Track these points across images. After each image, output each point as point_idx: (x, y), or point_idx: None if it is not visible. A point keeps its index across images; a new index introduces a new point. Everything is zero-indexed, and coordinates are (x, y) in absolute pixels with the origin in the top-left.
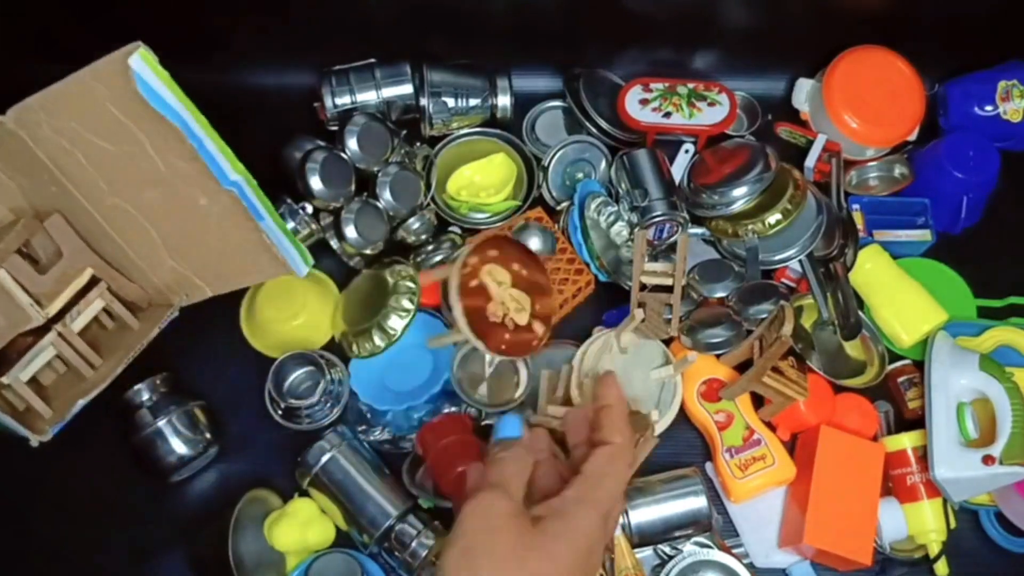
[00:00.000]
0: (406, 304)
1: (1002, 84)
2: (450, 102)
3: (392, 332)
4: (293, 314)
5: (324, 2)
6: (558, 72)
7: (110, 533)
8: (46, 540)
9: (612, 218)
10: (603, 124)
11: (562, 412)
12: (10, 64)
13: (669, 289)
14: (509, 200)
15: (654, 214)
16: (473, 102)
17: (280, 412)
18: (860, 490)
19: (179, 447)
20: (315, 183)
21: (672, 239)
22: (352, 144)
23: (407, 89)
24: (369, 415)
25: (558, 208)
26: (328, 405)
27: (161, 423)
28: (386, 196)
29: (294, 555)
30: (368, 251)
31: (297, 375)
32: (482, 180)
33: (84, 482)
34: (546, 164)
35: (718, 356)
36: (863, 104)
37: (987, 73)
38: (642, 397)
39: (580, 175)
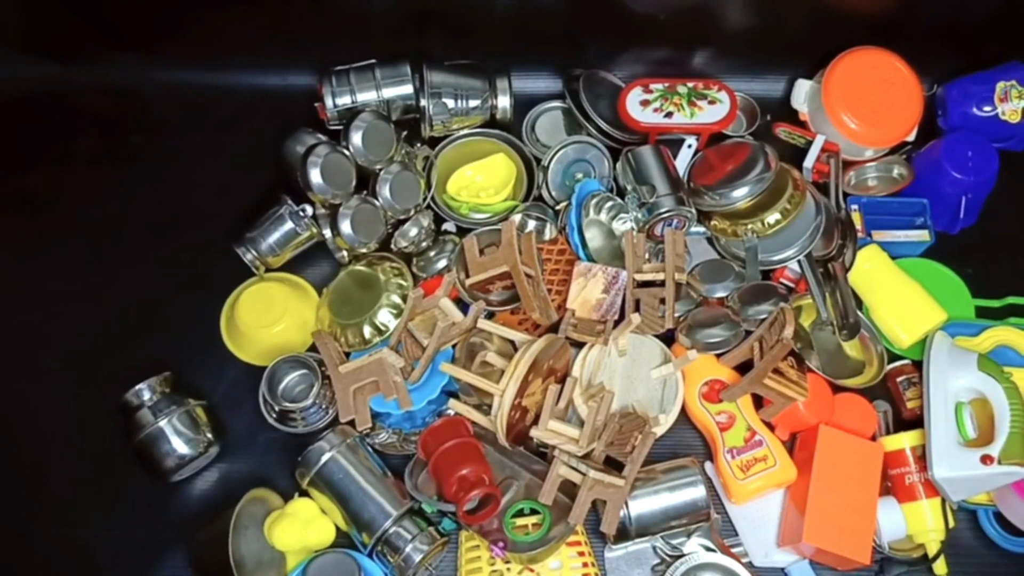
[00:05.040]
0: (397, 301)
1: (1000, 85)
2: (450, 103)
3: (383, 328)
4: (274, 320)
5: (326, 3)
6: (558, 73)
7: (110, 533)
8: (46, 540)
9: (614, 212)
10: (603, 125)
11: (566, 429)
12: (10, 64)
13: (663, 284)
14: (509, 200)
15: (661, 210)
16: (473, 103)
17: (275, 416)
18: (859, 489)
19: (180, 447)
20: (315, 177)
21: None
22: (356, 140)
23: (407, 89)
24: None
25: (557, 208)
26: (322, 408)
27: (162, 423)
28: (385, 194)
29: (294, 555)
30: (360, 249)
31: (291, 379)
32: (483, 180)
33: (84, 482)
34: (546, 164)
35: (718, 356)
36: (862, 105)
37: (985, 74)
38: (645, 399)
39: (580, 175)
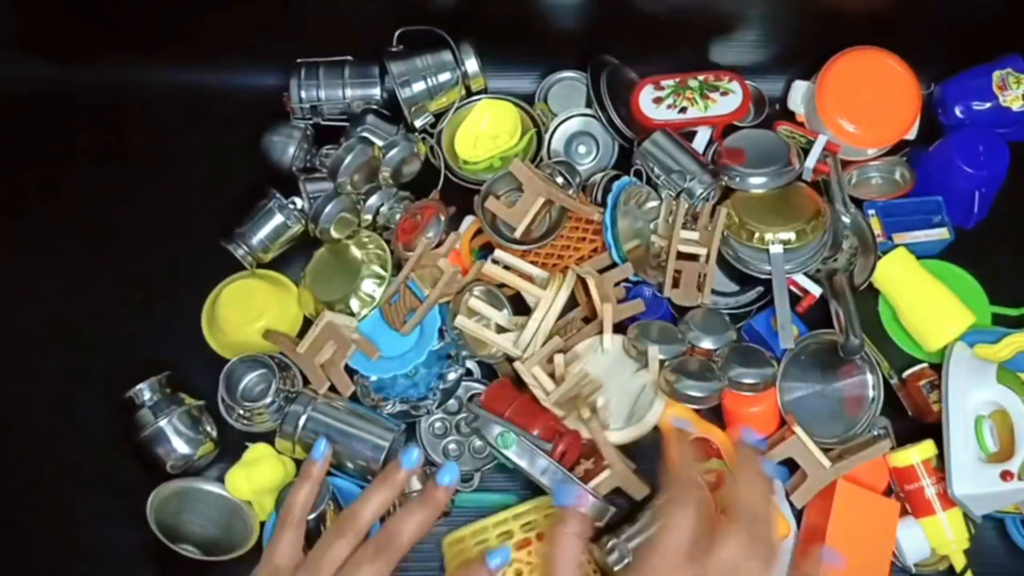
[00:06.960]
0: (379, 271)
1: (996, 74)
2: (420, 85)
3: (370, 299)
4: (255, 316)
5: (327, 2)
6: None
7: (110, 533)
8: (45, 540)
9: (644, 197)
10: (618, 123)
11: (549, 384)
12: (10, 64)
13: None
14: (530, 136)
15: (701, 190)
16: (444, 77)
17: (243, 418)
18: (874, 546)
19: (180, 447)
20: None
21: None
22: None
23: (374, 91)
24: (373, 389)
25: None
26: (281, 407)
27: (162, 423)
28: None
29: (256, 500)
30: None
31: (250, 379)
32: (490, 128)
33: (84, 482)
34: (550, 133)
35: (696, 411)
36: (857, 107)
37: (979, 68)
38: (613, 407)
39: (582, 148)
